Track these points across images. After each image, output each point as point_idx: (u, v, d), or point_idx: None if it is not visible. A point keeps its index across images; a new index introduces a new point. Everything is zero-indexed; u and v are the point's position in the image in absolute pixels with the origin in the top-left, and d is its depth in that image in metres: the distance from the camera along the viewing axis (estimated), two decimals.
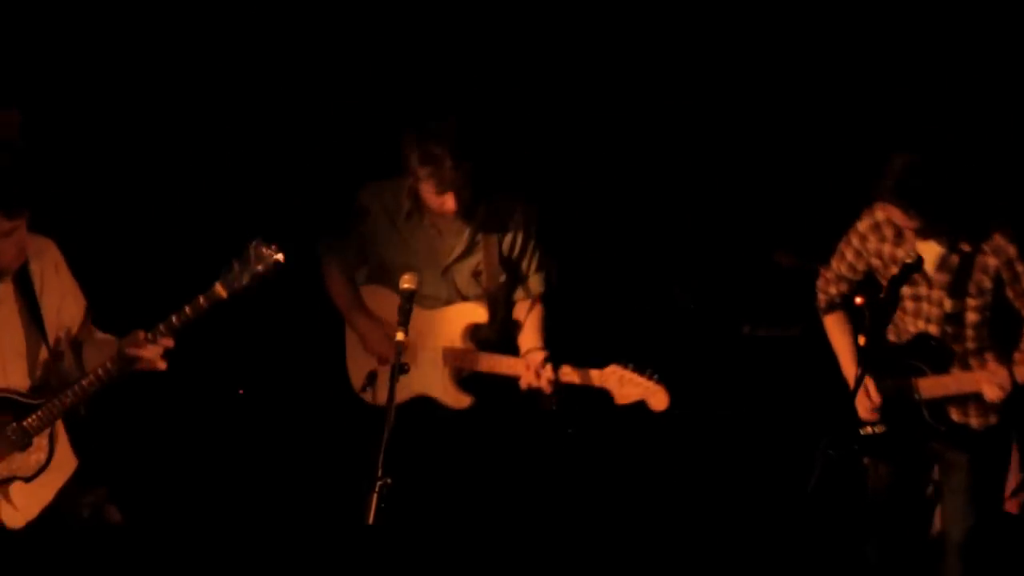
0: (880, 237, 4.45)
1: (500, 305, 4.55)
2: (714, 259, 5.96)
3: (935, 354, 4.43)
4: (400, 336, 3.90)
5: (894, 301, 4.36)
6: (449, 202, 4.31)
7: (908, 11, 5.80)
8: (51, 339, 4.05)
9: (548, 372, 4.39)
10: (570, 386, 4.45)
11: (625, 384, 4.38)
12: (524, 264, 4.57)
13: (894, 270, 4.39)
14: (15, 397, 3.98)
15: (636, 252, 6.01)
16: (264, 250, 3.88)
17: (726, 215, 6.05)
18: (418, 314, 4.31)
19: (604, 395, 4.43)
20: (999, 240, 4.27)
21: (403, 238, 4.48)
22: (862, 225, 4.50)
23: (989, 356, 4.39)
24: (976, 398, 4.37)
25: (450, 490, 4.50)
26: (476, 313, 4.49)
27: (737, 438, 5.62)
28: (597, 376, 4.40)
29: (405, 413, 4.29)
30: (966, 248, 4.30)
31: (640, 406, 4.43)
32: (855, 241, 4.51)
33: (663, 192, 6.06)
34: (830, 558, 5.00)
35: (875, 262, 4.49)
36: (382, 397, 4.30)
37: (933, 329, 4.42)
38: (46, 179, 4.11)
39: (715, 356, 5.74)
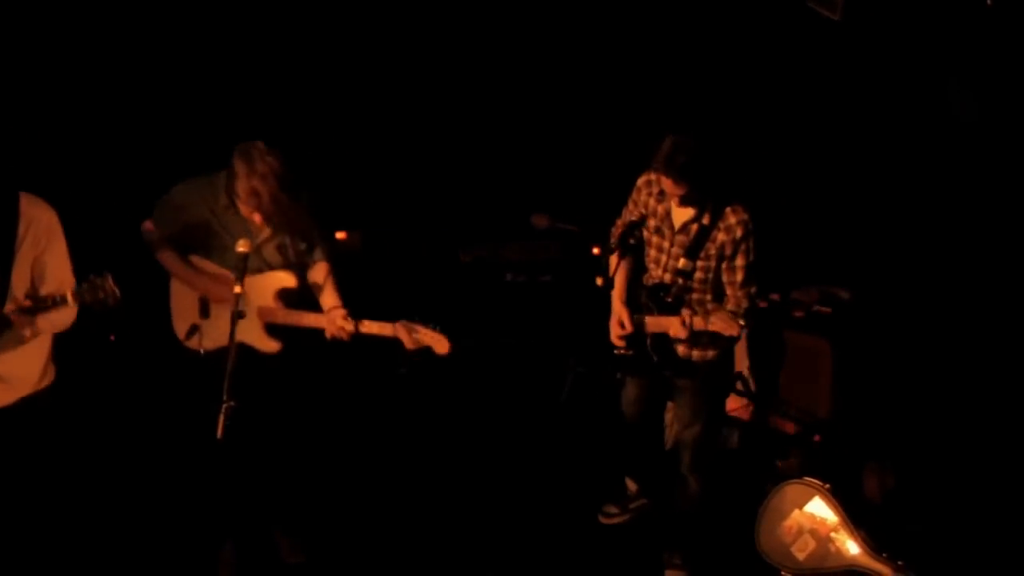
0: (649, 192, 5.40)
1: (304, 271, 5.43)
2: (483, 224, 7.01)
3: (660, 298, 5.40)
4: (238, 289, 4.82)
5: (629, 248, 5.31)
6: (257, 218, 5.18)
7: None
8: (13, 282, 4.76)
9: (349, 325, 5.27)
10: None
11: (412, 333, 5.27)
12: (313, 235, 5.42)
13: (652, 221, 5.37)
14: None
15: (423, 222, 6.99)
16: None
17: (492, 187, 7.10)
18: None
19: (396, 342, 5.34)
20: (731, 220, 5.23)
21: (221, 223, 5.26)
22: (640, 179, 5.43)
23: (709, 306, 5.34)
24: (698, 337, 5.31)
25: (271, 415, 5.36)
26: (286, 280, 5.34)
27: (508, 363, 6.76)
28: (390, 328, 5.30)
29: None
30: (706, 221, 5.25)
31: None
32: (634, 192, 5.44)
33: (443, 171, 7.07)
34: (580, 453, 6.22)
35: (643, 211, 5.43)
36: (206, 344, 5.32)
37: (667, 278, 5.40)
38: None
39: (487, 299, 6.86)
